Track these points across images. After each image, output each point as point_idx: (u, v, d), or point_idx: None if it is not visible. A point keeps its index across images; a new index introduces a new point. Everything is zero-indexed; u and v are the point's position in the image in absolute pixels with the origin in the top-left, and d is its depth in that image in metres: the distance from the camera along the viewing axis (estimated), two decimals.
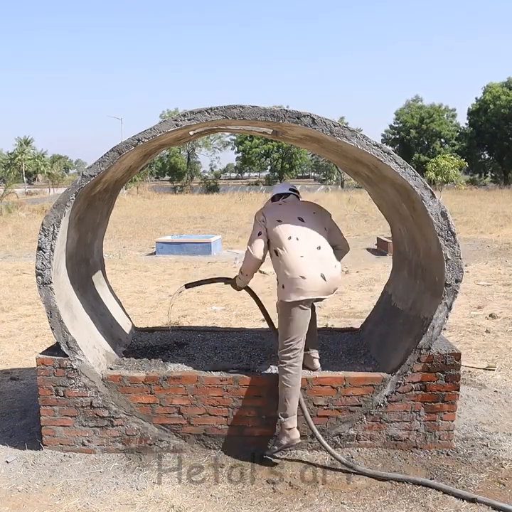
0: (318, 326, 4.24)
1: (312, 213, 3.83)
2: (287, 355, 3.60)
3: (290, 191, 3.99)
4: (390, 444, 3.75)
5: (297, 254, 3.64)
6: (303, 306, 3.61)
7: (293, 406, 3.57)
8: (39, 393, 3.74)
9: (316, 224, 3.79)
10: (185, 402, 3.72)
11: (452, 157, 29.22)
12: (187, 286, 4.44)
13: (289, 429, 3.55)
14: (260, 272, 11.19)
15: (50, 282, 3.62)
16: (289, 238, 3.66)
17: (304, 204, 3.94)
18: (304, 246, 3.66)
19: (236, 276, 4.10)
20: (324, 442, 3.60)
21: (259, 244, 3.74)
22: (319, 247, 3.68)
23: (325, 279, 3.60)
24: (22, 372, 5.40)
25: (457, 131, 59.39)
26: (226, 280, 4.35)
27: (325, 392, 3.69)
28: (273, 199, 3.99)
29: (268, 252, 3.81)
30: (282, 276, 3.63)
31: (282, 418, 3.57)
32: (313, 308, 3.86)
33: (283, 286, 3.62)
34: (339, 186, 58.42)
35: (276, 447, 3.61)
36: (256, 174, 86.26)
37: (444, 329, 4.15)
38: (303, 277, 3.57)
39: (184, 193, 51.66)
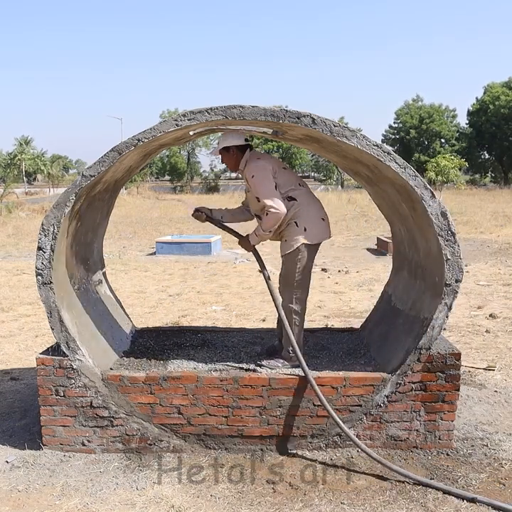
0: (318, 326, 4.24)
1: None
2: (304, 295, 3.93)
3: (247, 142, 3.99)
4: (390, 444, 3.75)
5: (312, 198, 3.93)
6: (317, 248, 3.92)
7: (301, 342, 3.96)
8: (39, 393, 3.74)
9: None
10: (185, 402, 3.72)
11: (452, 157, 29.24)
12: (199, 211, 4.13)
13: (293, 361, 3.87)
14: (260, 271, 11.18)
15: (50, 282, 3.62)
16: (299, 184, 3.91)
17: None
18: (309, 192, 3.96)
19: (248, 235, 4.03)
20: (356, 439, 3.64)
21: (280, 198, 3.76)
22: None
23: (328, 223, 4.00)
24: (22, 372, 5.40)
25: (457, 132, 59.38)
26: (238, 236, 4.13)
27: (325, 392, 3.69)
28: (241, 149, 3.92)
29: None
30: (303, 220, 3.81)
31: (292, 353, 3.81)
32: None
33: (305, 229, 3.80)
34: (339, 186, 58.37)
35: (275, 365, 3.89)
36: None
37: (444, 329, 4.15)
38: (323, 219, 3.92)
39: (184, 193, 51.63)
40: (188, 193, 51.59)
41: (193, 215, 4.17)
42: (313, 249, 3.90)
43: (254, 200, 3.92)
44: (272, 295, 3.96)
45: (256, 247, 4.08)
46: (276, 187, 3.77)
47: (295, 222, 3.82)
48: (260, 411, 3.71)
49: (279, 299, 3.97)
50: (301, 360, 3.68)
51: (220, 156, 4.04)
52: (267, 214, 3.76)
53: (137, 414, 3.74)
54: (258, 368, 3.88)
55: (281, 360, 3.95)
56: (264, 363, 3.94)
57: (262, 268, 4.05)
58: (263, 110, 3.53)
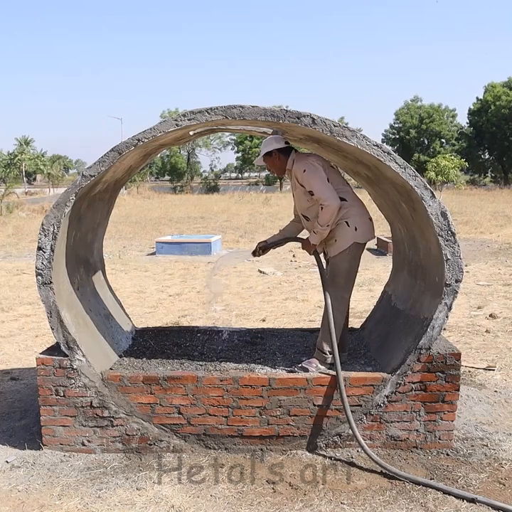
0: (318, 326, 4.23)
1: None
2: (348, 295, 3.92)
3: (288, 144, 4.01)
4: (390, 444, 3.75)
5: (357, 198, 3.92)
6: (363, 248, 3.95)
7: (336, 344, 3.82)
8: (39, 393, 3.74)
9: None
10: (185, 402, 3.72)
11: (452, 157, 29.24)
12: (258, 249, 4.15)
13: (328, 362, 3.86)
14: (260, 272, 11.18)
15: (50, 282, 3.62)
16: (345, 184, 3.91)
17: None
18: (353, 191, 3.96)
19: (307, 238, 3.94)
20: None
21: (333, 191, 3.73)
22: None
23: (373, 223, 4.00)
24: (22, 372, 5.40)
25: (457, 131, 59.40)
26: (299, 240, 4.09)
27: (325, 392, 3.69)
28: (284, 151, 3.93)
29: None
30: (353, 220, 3.81)
31: (328, 354, 3.84)
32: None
33: (356, 229, 3.81)
34: None
35: (309, 368, 3.80)
36: (256, 174, 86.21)
37: (444, 329, 4.16)
38: (370, 219, 3.94)
39: (184, 193, 51.63)
40: (188, 193, 51.59)
41: (256, 255, 4.17)
42: (361, 248, 3.92)
43: (303, 197, 3.87)
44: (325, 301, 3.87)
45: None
46: (328, 180, 3.76)
47: (346, 222, 3.80)
48: (260, 411, 3.71)
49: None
50: (338, 362, 3.66)
51: (265, 164, 4.05)
52: (322, 208, 3.71)
53: (137, 414, 3.74)
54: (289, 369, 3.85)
55: (315, 363, 3.85)
56: (298, 371, 3.82)
57: (322, 274, 3.93)
58: (263, 110, 3.53)
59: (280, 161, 3.95)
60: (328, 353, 3.86)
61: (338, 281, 3.87)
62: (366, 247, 4.11)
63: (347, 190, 3.90)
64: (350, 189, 3.95)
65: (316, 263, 3.99)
